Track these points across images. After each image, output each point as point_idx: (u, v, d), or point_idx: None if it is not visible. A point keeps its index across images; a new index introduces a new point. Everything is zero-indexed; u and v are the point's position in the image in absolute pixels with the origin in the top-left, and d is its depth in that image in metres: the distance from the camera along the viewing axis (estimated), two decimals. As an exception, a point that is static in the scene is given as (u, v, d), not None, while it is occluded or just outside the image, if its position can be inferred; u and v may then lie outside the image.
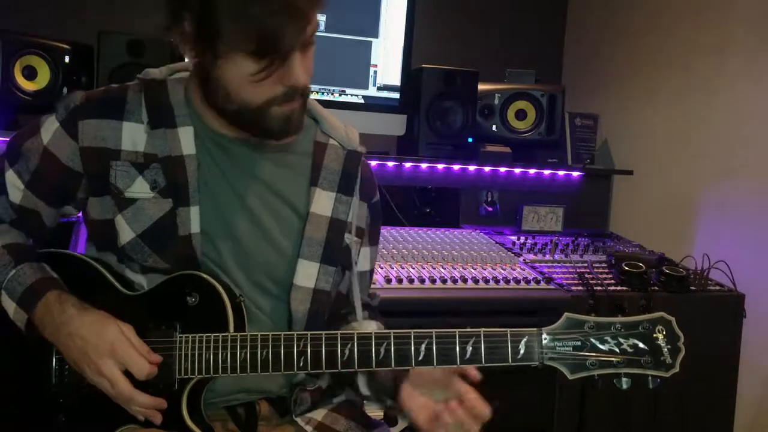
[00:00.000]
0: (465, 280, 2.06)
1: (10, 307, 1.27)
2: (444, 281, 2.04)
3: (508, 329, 1.16)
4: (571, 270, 2.24)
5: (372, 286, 1.55)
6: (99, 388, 1.21)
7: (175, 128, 1.29)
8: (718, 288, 2.27)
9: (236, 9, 1.12)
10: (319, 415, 1.37)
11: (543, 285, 2.11)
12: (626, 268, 2.20)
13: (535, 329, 1.16)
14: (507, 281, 2.08)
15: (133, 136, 1.29)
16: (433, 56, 2.67)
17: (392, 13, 2.45)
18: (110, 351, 1.19)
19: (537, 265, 2.27)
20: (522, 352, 1.16)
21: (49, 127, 1.31)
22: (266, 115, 1.22)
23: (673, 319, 1.15)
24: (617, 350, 1.13)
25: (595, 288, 2.13)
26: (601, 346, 1.14)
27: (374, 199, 1.47)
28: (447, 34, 3.33)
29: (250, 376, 1.32)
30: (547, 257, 2.36)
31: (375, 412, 1.49)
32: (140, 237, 1.27)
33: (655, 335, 1.14)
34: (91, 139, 1.28)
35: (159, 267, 1.28)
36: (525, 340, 1.15)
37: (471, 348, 1.17)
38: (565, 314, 1.16)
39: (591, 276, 2.21)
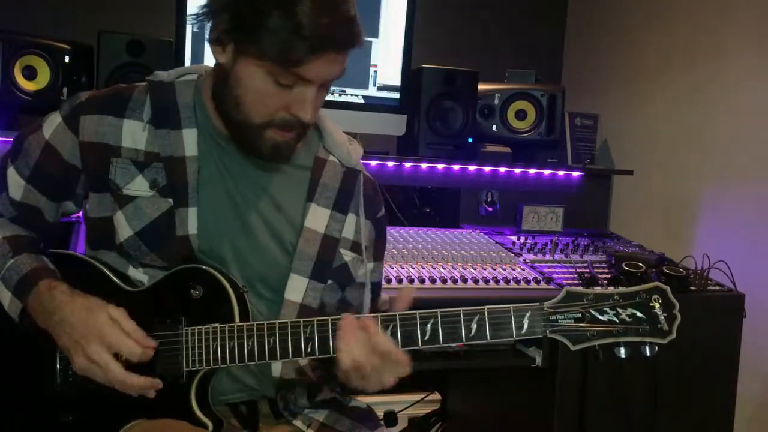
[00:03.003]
0: (465, 280, 2.06)
1: (6, 297, 1.27)
2: (444, 281, 2.04)
3: (511, 305, 1.19)
4: (571, 270, 2.24)
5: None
6: (90, 376, 1.20)
7: (179, 130, 1.30)
8: (718, 288, 2.27)
9: (281, 16, 1.13)
10: (320, 415, 1.38)
11: (543, 285, 2.11)
12: (626, 268, 2.20)
13: (537, 304, 1.19)
14: (507, 281, 2.08)
15: (133, 133, 1.30)
16: (433, 56, 2.67)
17: (392, 13, 2.45)
18: (99, 336, 1.18)
19: (537, 265, 2.27)
20: (525, 327, 1.19)
21: (52, 123, 1.32)
22: (261, 136, 1.24)
23: (668, 288, 1.19)
24: (616, 320, 1.17)
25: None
26: (600, 317, 1.18)
27: (379, 215, 1.48)
28: (447, 34, 3.34)
29: (248, 376, 1.32)
30: (547, 257, 2.36)
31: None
32: (138, 235, 1.28)
33: (651, 304, 1.18)
34: (92, 134, 1.29)
35: (157, 265, 1.29)
36: (528, 315, 1.19)
37: (476, 325, 1.19)
38: (565, 288, 1.21)
39: (591, 276, 2.20)
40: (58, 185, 1.33)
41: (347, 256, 1.39)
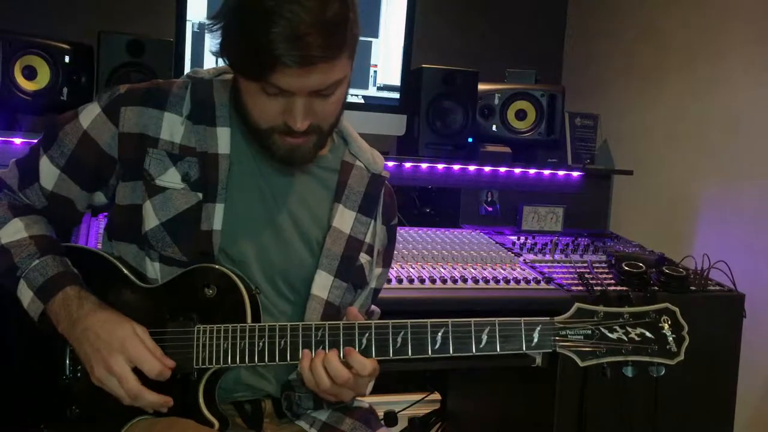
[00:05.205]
0: (465, 280, 2.06)
1: (27, 296, 1.28)
2: (444, 281, 2.04)
3: (522, 318, 1.21)
4: (571, 270, 2.24)
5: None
6: (105, 387, 1.22)
7: (214, 127, 1.32)
8: (718, 288, 2.27)
9: (245, 31, 1.15)
10: (323, 415, 1.39)
11: (543, 285, 2.11)
12: (626, 268, 2.20)
13: (547, 318, 1.21)
14: (507, 281, 2.08)
15: (172, 127, 1.32)
16: (433, 56, 2.67)
17: (392, 13, 2.45)
18: (121, 347, 1.21)
19: (537, 265, 2.27)
20: (535, 340, 1.20)
21: (90, 113, 1.33)
22: (271, 140, 1.26)
23: (677, 309, 1.21)
24: (625, 339, 1.18)
25: (595, 288, 2.12)
26: (610, 335, 1.19)
27: (392, 222, 1.51)
28: (447, 34, 3.33)
29: (255, 376, 1.33)
30: (547, 257, 2.36)
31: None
32: (163, 225, 1.29)
33: (660, 325, 1.19)
34: (132, 125, 1.31)
35: (176, 258, 1.30)
36: (538, 329, 1.20)
37: (486, 337, 1.21)
38: (576, 304, 1.21)
39: (591, 276, 2.21)
40: (93, 175, 1.35)
41: (363, 258, 1.41)
